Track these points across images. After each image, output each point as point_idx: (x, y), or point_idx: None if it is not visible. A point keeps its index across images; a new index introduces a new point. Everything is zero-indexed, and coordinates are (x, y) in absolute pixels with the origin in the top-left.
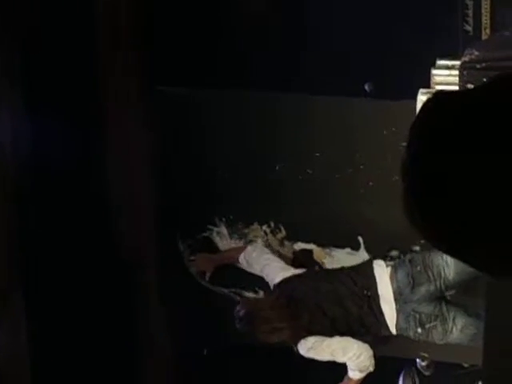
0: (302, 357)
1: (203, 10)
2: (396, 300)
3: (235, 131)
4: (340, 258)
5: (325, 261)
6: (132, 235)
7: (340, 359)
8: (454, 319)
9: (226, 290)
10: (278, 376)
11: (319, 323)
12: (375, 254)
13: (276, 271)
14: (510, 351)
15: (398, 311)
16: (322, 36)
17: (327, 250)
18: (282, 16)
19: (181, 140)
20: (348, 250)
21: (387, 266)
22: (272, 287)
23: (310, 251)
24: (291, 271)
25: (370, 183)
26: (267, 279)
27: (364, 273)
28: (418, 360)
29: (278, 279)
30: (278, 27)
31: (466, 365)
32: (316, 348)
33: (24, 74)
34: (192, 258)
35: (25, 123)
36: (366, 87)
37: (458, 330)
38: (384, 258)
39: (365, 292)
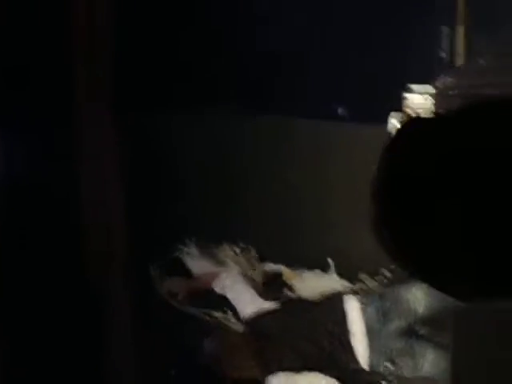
0: None
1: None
2: (367, 336)
3: (206, 152)
4: (310, 280)
5: (294, 282)
6: (101, 253)
7: None
8: (424, 354)
9: (195, 311)
10: None
11: (290, 360)
12: (345, 276)
13: (247, 303)
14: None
15: (369, 347)
16: (294, 58)
17: (297, 272)
18: (250, 36)
19: (149, 158)
20: (318, 271)
21: (358, 301)
22: (242, 318)
23: (280, 274)
24: (263, 304)
25: (341, 207)
26: (237, 308)
27: (335, 308)
28: None
29: (248, 312)
30: (250, 48)
31: None
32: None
33: None
34: (166, 280)
35: None
36: (339, 111)
37: (428, 364)
38: (353, 291)
39: (335, 328)
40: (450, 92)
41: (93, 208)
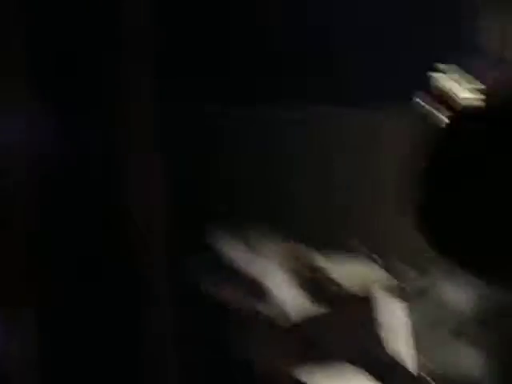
0: None
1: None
2: (412, 338)
3: (254, 144)
4: (350, 269)
5: (327, 267)
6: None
7: None
8: (469, 356)
9: (237, 303)
10: None
11: (333, 362)
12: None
13: (290, 297)
14: None
15: (414, 349)
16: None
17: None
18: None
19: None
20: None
21: (403, 301)
22: (286, 314)
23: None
24: (306, 304)
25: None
26: (281, 302)
27: (379, 309)
28: None
29: (292, 307)
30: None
31: None
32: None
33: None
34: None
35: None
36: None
37: (474, 366)
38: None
39: (379, 329)
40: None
41: (133, 192)
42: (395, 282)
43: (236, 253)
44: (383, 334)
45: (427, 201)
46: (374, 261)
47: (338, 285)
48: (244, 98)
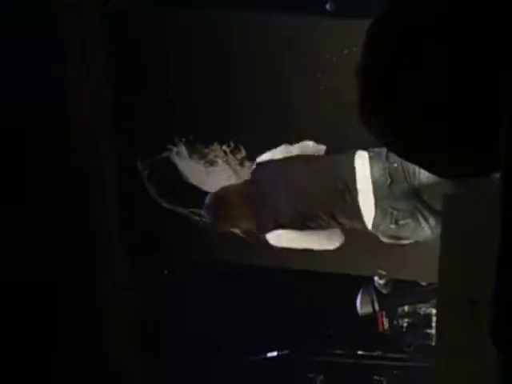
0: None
1: None
2: (374, 195)
3: (198, 50)
4: None
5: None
6: (89, 153)
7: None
8: (426, 218)
9: (184, 210)
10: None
11: (288, 216)
12: None
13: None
14: (465, 266)
15: (376, 206)
16: None
17: None
18: None
19: (137, 58)
20: (309, 144)
21: (368, 157)
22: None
23: None
24: (270, 155)
25: (330, 103)
26: None
27: (344, 164)
28: (375, 278)
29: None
30: None
31: (423, 283)
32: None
33: None
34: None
35: None
36: (328, 6)
37: (430, 228)
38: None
39: (341, 186)
40: None
41: (78, 102)
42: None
43: (183, 159)
44: (344, 190)
45: (368, 92)
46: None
47: None
48: None
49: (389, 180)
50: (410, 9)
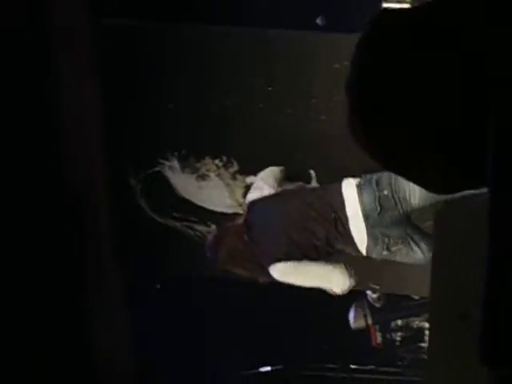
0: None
1: None
2: (365, 223)
3: (187, 65)
4: None
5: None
6: (81, 167)
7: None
8: (417, 243)
9: (178, 224)
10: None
11: (285, 249)
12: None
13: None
14: (457, 280)
15: (368, 234)
16: None
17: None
18: None
19: (130, 72)
20: (300, 183)
21: (356, 185)
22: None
23: None
24: (258, 194)
25: (322, 117)
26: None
27: (333, 193)
28: (368, 292)
29: (246, 201)
30: None
31: (415, 297)
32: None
33: None
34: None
35: None
36: (318, 21)
37: (422, 252)
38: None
39: (333, 215)
40: None
41: (70, 116)
42: None
43: (175, 173)
44: (336, 219)
45: (357, 106)
46: (311, 178)
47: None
48: None
49: (379, 208)
50: (399, 23)
